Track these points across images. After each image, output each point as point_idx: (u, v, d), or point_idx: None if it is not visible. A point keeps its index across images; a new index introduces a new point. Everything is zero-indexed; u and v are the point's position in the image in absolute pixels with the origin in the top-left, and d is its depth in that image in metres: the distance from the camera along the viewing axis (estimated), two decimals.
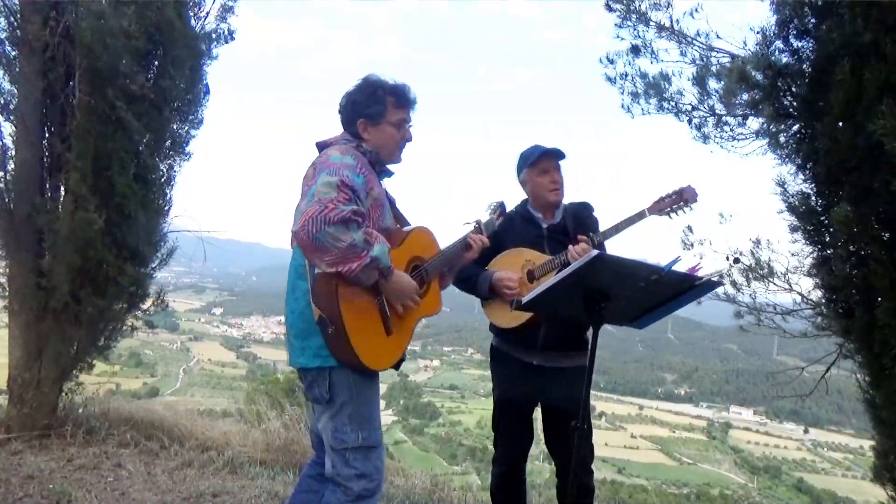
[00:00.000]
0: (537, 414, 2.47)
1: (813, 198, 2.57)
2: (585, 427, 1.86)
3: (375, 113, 1.87)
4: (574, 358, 2.36)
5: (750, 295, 4.21)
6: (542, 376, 2.33)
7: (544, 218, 2.46)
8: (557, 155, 2.41)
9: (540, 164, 2.41)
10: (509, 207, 2.48)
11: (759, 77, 2.71)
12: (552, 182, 2.39)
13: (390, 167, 1.98)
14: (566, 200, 2.50)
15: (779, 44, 2.62)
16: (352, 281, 1.65)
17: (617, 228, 2.28)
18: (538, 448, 2.52)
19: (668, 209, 2.26)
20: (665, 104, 4.73)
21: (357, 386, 1.77)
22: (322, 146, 1.87)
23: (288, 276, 1.84)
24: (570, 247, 2.22)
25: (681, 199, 2.25)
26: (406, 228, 1.98)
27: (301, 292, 1.76)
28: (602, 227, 2.37)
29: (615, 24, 4.66)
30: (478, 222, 2.17)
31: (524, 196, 2.55)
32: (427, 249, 1.99)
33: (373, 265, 1.64)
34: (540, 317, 2.27)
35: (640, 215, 2.27)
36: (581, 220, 2.44)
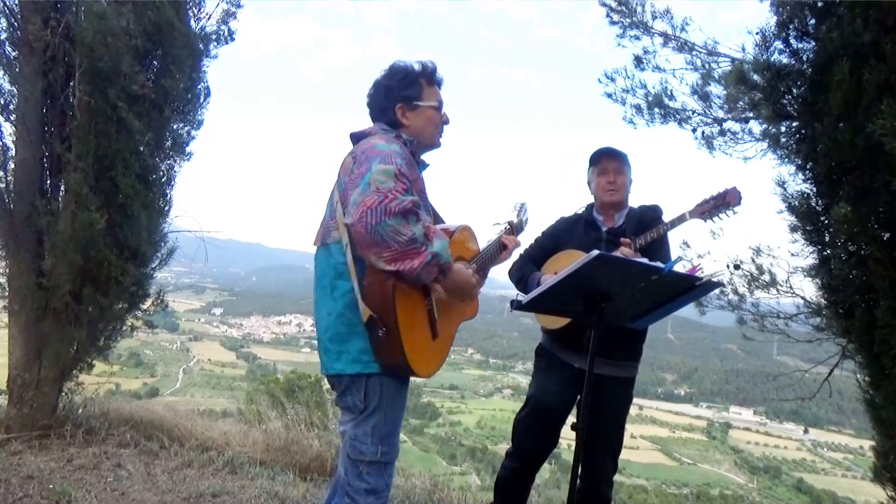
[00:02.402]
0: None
1: (813, 198, 2.57)
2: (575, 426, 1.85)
3: (413, 95, 1.80)
4: (618, 367, 2.28)
5: (752, 303, 4.21)
6: (582, 382, 2.16)
7: (605, 221, 2.42)
8: (618, 156, 2.38)
9: (599, 163, 2.40)
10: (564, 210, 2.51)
11: (758, 78, 2.71)
12: (608, 182, 2.36)
13: (426, 159, 1.92)
14: (636, 204, 2.45)
15: (778, 44, 2.62)
16: (411, 280, 1.57)
17: (658, 233, 2.25)
18: None
19: (710, 213, 2.20)
20: (669, 115, 4.72)
21: (388, 398, 1.68)
22: (358, 136, 1.79)
23: (319, 275, 1.73)
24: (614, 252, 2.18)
25: (723, 202, 2.18)
26: (451, 227, 1.89)
27: (340, 293, 1.65)
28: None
29: (616, 35, 4.67)
30: (510, 223, 2.16)
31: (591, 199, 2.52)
32: (469, 250, 1.94)
33: (434, 262, 1.55)
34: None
35: (680, 219, 2.24)
36: (645, 223, 2.33)
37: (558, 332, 2.32)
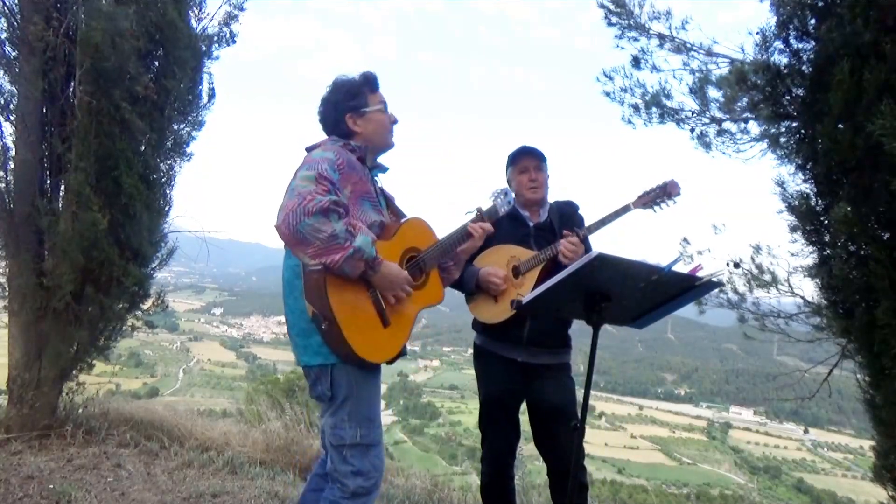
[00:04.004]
0: (523, 409, 2.48)
1: (813, 198, 2.57)
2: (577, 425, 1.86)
3: (358, 104, 1.93)
4: (558, 355, 2.40)
5: (753, 302, 4.22)
6: (527, 373, 2.36)
7: (531, 217, 2.50)
8: (536, 155, 2.47)
9: (520, 162, 2.49)
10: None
11: (757, 79, 2.71)
12: (530, 180, 2.45)
13: (384, 163, 2.03)
14: (552, 199, 2.55)
15: (778, 44, 2.62)
16: (337, 273, 1.65)
17: (602, 222, 2.32)
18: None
19: (653, 203, 2.30)
20: (666, 114, 4.74)
21: (357, 383, 1.78)
22: (311, 149, 1.91)
23: (283, 275, 1.85)
24: (560, 242, 2.26)
25: (664, 192, 2.28)
26: (401, 220, 1.98)
27: (299, 291, 1.77)
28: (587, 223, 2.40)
29: (615, 36, 4.68)
30: (478, 210, 2.11)
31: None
32: (423, 240, 1.99)
33: (357, 256, 1.63)
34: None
35: (624, 209, 2.31)
36: (567, 217, 2.49)
37: (496, 328, 2.37)
